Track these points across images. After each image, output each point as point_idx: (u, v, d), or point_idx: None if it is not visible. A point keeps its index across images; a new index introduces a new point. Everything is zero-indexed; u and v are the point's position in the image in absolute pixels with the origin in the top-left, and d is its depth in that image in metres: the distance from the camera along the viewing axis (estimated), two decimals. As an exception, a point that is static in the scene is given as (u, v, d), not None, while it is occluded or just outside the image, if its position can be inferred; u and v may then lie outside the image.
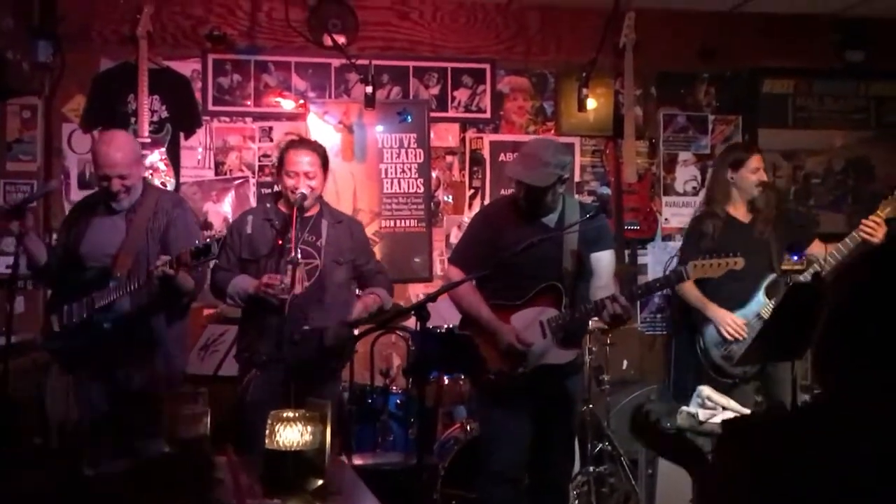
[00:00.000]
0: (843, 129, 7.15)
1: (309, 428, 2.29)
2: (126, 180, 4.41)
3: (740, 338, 4.97)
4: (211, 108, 6.41)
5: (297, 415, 2.30)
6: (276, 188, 4.97)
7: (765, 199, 5.24)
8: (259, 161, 6.45)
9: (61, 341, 4.44)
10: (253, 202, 6.23)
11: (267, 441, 2.28)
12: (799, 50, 6.98)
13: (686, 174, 6.98)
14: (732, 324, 5.04)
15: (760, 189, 5.24)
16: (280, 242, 4.41)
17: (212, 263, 4.46)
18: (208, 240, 4.11)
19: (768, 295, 5.09)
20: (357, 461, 4.80)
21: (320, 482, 2.31)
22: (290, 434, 2.27)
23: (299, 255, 4.32)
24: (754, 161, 5.29)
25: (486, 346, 4.30)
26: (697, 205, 5.86)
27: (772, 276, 5.14)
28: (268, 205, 4.69)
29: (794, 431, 1.68)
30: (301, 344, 4.37)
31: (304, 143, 4.76)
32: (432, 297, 3.82)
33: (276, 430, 2.28)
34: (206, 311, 6.13)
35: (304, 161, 4.47)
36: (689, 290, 5.23)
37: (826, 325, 1.73)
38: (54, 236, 6.10)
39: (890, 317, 1.66)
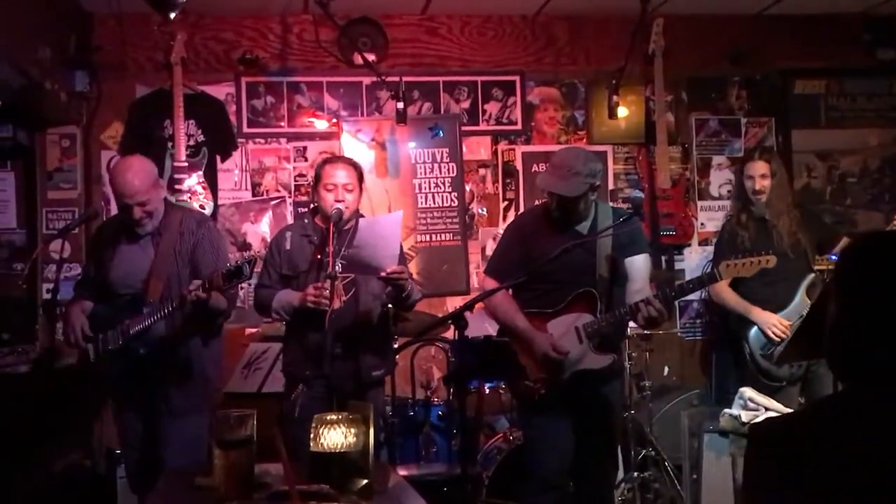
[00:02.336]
0: (877, 127, 7.11)
1: (352, 430, 2.32)
2: (147, 206, 4.36)
3: (785, 338, 4.95)
4: (246, 130, 6.50)
5: (340, 417, 2.34)
6: (312, 206, 5.02)
7: (765, 209, 5.24)
8: (295, 181, 6.53)
9: (99, 369, 4.46)
10: (290, 222, 6.29)
11: (312, 444, 2.32)
12: (829, 50, 6.96)
13: (720, 178, 6.97)
14: (778, 325, 5.03)
15: (759, 197, 5.24)
16: (318, 257, 4.45)
17: (245, 283, 4.46)
18: (239, 261, 4.06)
19: (809, 295, 5.08)
20: (402, 472, 4.82)
21: (365, 482, 2.34)
22: (334, 436, 2.31)
23: (338, 269, 4.35)
24: (751, 168, 5.31)
25: (524, 354, 4.32)
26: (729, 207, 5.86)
27: (811, 277, 5.13)
28: (305, 220, 4.73)
29: (814, 424, 1.70)
30: (342, 359, 4.39)
31: (340, 158, 4.83)
32: (469, 306, 3.86)
33: (321, 432, 2.32)
34: (249, 331, 6.20)
35: (341, 174, 4.50)
36: (728, 295, 5.25)
37: (839, 317, 1.75)
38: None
39: None
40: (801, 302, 5.08)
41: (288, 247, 4.59)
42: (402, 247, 4.82)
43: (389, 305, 4.63)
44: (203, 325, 4.46)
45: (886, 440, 1.59)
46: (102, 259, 4.53)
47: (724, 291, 5.29)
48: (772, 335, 5.06)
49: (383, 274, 4.33)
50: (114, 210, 6.26)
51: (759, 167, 5.29)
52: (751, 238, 5.20)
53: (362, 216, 4.74)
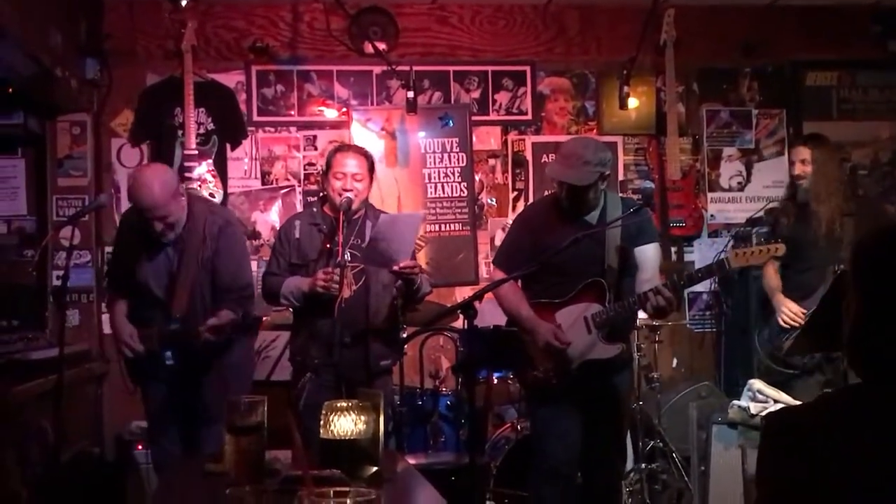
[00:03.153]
0: (889, 119, 7.07)
1: (362, 417, 2.33)
2: (168, 218, 4.32)
3: (796, 326, 4.92)
4: (256, 118, 6.50)
5: (350, 405, 2.34)
6: (321, 194, 5.02)
7: (806, 195, 5.21)
8: (304, 170, 6.53)
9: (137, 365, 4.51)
10: (300, 210, 6.28)
11: (322, 431, 2.33)
12: (841, 42, 6.92)
13: (731, 170, 6.95)
14: (789, 312, 5.00)
15: (800, 182, 5.22)
16: (328, 246, 4.45)
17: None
18: (249, 317, 4.22)
19: None
20: (410, 461, 4.82)
21: (374, 469, 2.35)
22: (345, 423, 2.32)
23: (347, 258, 4.35)
24: (794, 153, 5.30)
25: (533, 344, 4.32)
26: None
27: (838, 267, 5.09)
28: (314, 209, 4.73)
29: (827, 416, 1.69)
30: (351, 347, 4.40)
31: (351, 147, 4.82)
32: (477, 296, 3.86)
33: (331, 420, 2.32)
34: (257, 319, 6.21)
35: (351, 163, 4.50)
36: (768, 278, 5.22)
37: (860, 313, 1.74)
38: (107, 249, 6.24)
39: None
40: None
41: (297, 235, 4.59)
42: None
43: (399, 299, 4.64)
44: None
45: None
46: (131, 257, 4.53)
47: (768, 275, 5.25)
48: (781, 322, 5.04)
49: (396, 268, 4.34)
50: (124, 198, 6.30)
51: (800, 152, 5.25)
52: (789, 224, 5.17)
53: (372, 206, 4.75)
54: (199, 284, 4.42)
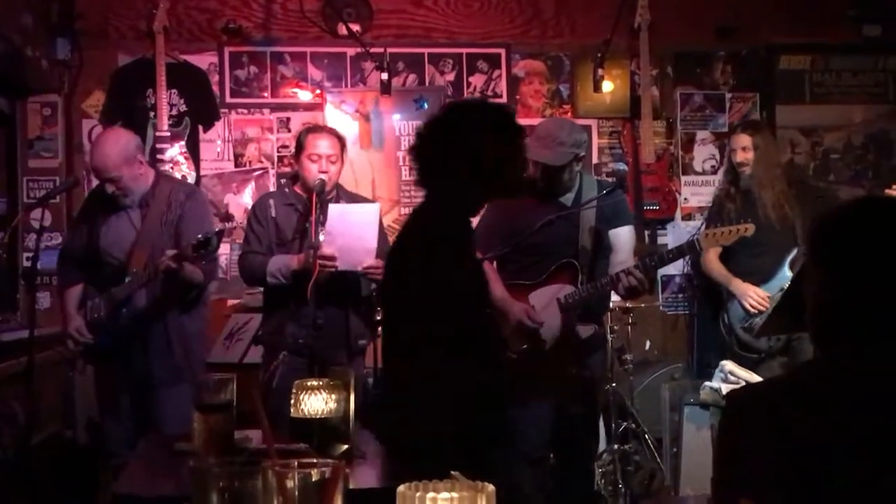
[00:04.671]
0: (862, 103, 7.09)
1: (333, 396, 2.34)
2: (119, 182, 4.34)
3: (763, 310, 4.98)
4: (228, 100, 6.45)
5: (321, 383, 2.35)
6: (292, 174, 4.99)
7: (750, 181, 5.27)
8: (278, 152, 6.49)
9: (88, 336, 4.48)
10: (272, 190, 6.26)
11: (292, 410, 2.33)
12: (815, 25, 6.92)
13: (704, 153, 6.96)
14: (755, 296, 5.05)
15: (742, 169, 5.29)
16: (306, 226, 4.45)
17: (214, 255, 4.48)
18: (209, 234, 4.09)
19: (792, 269, 5.10)
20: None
21: (345, 447, 2.36)
22: (315, 402, 2.32)
23: (322, 239, 4.34)
24: (734, 140, 5.38)
25: (506, 326, 4.32)
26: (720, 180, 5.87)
27: (796, 250, 5.16)
28: (286, 189, 4.72)
29: (793, 389, 1.70)
30: (325, 328, 4.40)
31: (324, 128, 4.82)
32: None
33: (301, 398, 2.33)
34: (231, 302, 6.18)
35: (324, 145, 4.49)
36: (714, 266, 5.27)
37: (823, 289, 1.75)
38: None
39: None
40: (784, 275, 5.10)
41: (273, 214, 4.58)
42: (386, 238, 4.76)
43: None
44: (181, 297, 4.44)
45: (868, 402, 1.60)
46: (92, 226, 4.52)
47: (711, 262, 5.33)
48: (748, 306, 5.08)
49: (360, 268, 4.34)
50: (95, 180, 6.26)
51: (741, 140, 5.33)
52: (737, 209, 5.23)
53: (342, 187, 4.74)
54: (160, 248, 4.36)
